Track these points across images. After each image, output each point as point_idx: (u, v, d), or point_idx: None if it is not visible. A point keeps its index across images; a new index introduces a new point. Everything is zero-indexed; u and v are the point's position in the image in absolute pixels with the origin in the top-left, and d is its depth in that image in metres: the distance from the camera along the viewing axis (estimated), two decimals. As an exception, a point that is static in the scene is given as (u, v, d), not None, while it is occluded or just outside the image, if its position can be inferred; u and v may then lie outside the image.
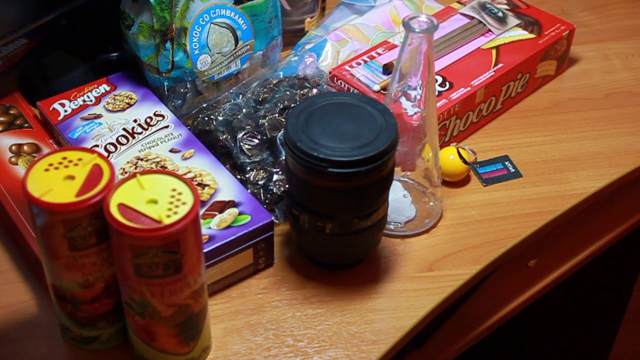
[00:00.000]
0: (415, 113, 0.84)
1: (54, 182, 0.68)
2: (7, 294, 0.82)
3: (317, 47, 1.06)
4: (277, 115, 0.92)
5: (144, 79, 0.98)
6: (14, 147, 0.92)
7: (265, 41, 1.01)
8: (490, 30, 1.06)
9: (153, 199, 0.67)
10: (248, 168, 0.89)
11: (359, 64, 1.01)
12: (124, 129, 0.92)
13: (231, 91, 0.97)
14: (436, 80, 0.98)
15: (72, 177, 0.69)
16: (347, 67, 1.00)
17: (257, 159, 0.90)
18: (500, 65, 1.01)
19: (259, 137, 0.90)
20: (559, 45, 1.07)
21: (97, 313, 0.74)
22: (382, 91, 0.97)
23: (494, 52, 1.03)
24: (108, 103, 0.95)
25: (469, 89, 0.97)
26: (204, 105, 0.96)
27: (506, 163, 0.98)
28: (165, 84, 0.96)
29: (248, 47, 1.00)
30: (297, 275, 0.85)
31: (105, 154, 0.88)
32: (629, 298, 1.40)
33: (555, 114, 1.06)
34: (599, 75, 1.12)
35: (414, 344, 0.94)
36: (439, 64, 1.01)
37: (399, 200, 0.90)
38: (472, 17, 1.08)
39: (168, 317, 0.70)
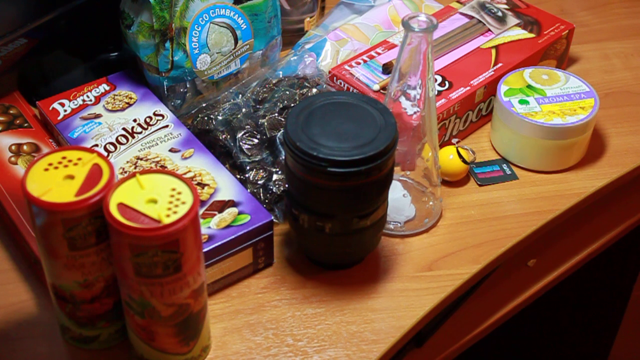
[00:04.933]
0: (415, 112, 0.84)
1: (54, 181, 0.68)
2: (6, 294, 0.82)
3: (316, 46, 1.06)
4: (276, 114, 0.92)
5: (143, 78, 0.98)
6: (13, 147, 0.92)
7: (265, 41, 1.01)
8: (489, 30, 1.06)
9: (152, 198, 0.67)
10: (247, 168, 0.89)
11: (358, 63, 1.01)
12: (124, 129, 0.92)
13: (231, 91, 0.97)
14: (436, 80, 0.98)
15: (71, 177, 0.68)
16: (346, 67, 1.00)
17: (257, 159, 0.90)
18: (499, 64, 1.01)
19: (259, 136, 0.90)
20: (559, 45, 1.07)
21: (96, 313, 0.74)
22: (381, 91, 0.97)
23: (493, 51, 1.03)
24: (108, 103, 0.95)
25: (468, 88, 0.97)
26: (204, 104, 0.95)
27: (503, 165, 0.98)
28: (165, 83, 0.96)
29: (247, 46, 1.00)
30: (297, 274, 0.85)
31: (105, 154, 0.88)
32: (629, 298, 1.40)
33: (555, 113, 1.05)
34: (598, 74, 1.12)
35: (413, 343, 0.94)
36: (439, 64, 1.01)
37: (399, 200, 0.90)
38: (471, 17, 1.08)
39: (167, 317, 0.70)
